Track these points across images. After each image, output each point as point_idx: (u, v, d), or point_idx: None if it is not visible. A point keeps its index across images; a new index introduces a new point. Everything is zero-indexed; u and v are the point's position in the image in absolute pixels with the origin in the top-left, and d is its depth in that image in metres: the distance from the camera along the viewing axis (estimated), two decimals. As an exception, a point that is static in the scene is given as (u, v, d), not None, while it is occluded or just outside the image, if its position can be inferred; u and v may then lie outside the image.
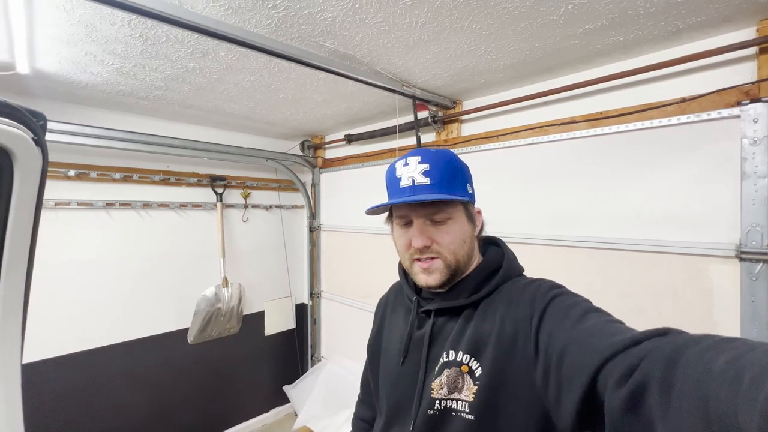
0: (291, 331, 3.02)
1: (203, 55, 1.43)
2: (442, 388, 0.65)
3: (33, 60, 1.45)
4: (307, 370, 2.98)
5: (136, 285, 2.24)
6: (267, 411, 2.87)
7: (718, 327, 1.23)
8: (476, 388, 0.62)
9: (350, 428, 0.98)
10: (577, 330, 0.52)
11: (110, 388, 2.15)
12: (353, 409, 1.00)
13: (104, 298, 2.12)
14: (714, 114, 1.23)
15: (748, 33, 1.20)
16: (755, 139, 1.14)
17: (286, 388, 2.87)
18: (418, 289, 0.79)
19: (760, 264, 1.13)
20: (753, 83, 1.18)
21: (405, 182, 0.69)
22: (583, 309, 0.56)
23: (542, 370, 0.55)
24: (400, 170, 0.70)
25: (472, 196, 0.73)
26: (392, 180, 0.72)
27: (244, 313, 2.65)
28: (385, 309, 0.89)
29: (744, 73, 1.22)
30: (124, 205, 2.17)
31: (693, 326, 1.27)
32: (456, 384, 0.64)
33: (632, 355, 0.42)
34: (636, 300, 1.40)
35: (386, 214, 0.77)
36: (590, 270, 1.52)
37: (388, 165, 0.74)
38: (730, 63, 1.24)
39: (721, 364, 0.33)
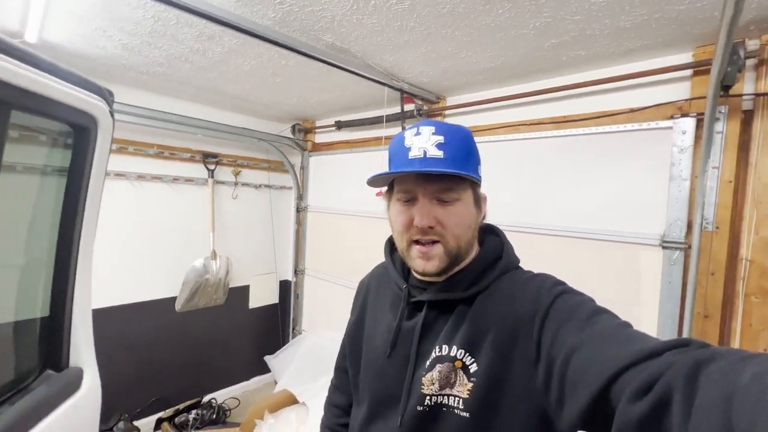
0: (274, 305, 3.18)
1: (209, 39, 1.54)
2: (433, 384, 0.62)
3: (42, 31, 1.52)
4: (288, 342, 3.15)
5: (128, 252, 2.34)
6: (248, 379, 3.05)
7: (644, 303, 1.47)
8: (471, 385, 0.59)
9: (326, 398, 0.94)
10: (586, 333, 0.49)
11: (98, 348, 2.25)
12: (332, 375, 0.95)
13: (96, 263, 2.21)
14: (653, 124, 1.45)
15: (686, 57, 1.41)
16: (682, 147, 1.36)
17: (267, 358, 3.03)
18: (406, 275, 0.73)
19: (677, 252, 1.36)
20: (686, 100, 1.40)
21: (415, 153, 0.61)
22: (590, 309, 0.54)
23: (544, 370, 0.53)
24: (410, 139, 0.62)
25: (481, 180, 0.67)
26: (399, 150, 0.64)
27: (230, 286, 2.79)
28: (366, 294, 0.82)
29: (681, 90, 1.44)
30: (119, 175, 2.25)
31: (627, 302, 1.52)
32: (449, 380, 0.61)
33: (652, 367, 0.40)
34: (587, 280, 1.60)
35: (384, 188, 0.71)
36: (551, 254, 1.74)
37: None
38: (670, 81, 1.45)
39: (746, 380, 0.32)
